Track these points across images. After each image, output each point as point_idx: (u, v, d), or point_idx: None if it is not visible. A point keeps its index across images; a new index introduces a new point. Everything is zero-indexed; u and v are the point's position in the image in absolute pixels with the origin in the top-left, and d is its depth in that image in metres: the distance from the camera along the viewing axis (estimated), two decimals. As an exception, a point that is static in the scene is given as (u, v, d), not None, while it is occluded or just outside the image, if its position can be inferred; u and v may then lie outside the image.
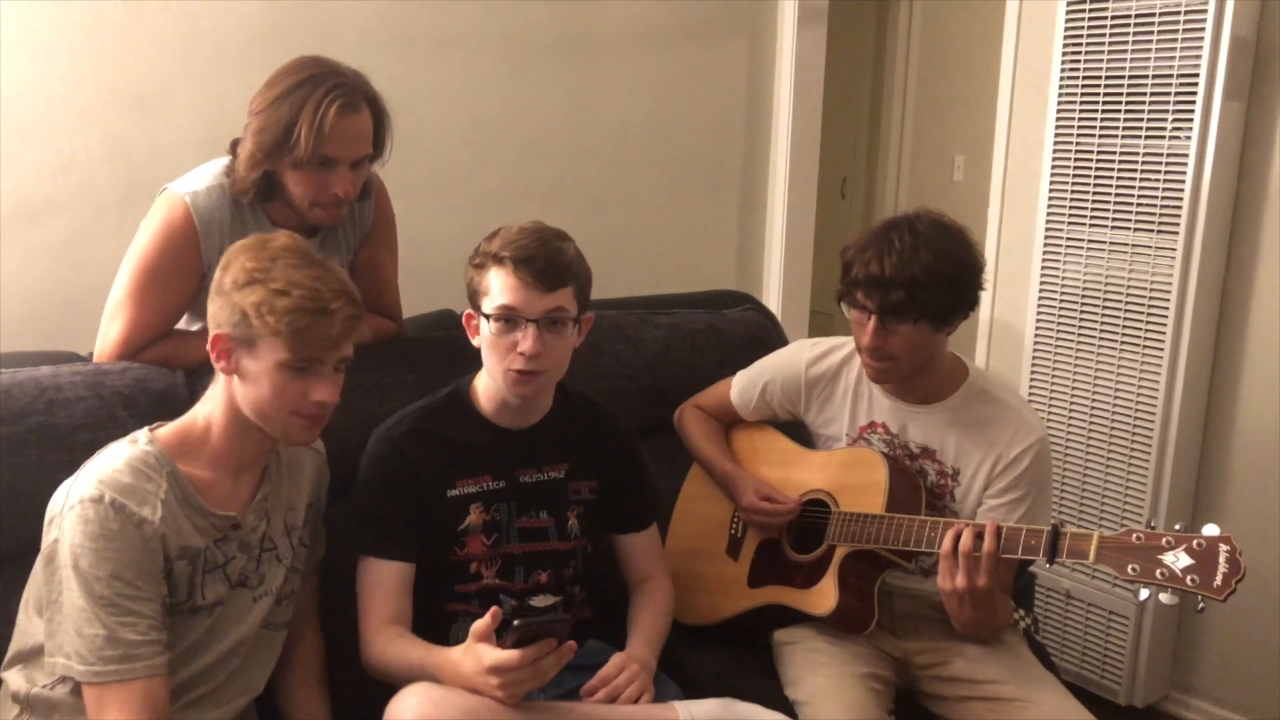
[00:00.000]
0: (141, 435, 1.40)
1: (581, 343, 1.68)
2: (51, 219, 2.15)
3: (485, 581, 1.65)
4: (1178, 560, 1.38)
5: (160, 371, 1.73)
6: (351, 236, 1.90)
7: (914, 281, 1.62)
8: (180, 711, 1.39)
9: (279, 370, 1.36)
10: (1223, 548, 1.38)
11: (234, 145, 1.72)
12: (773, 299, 3.10)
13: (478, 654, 1.37)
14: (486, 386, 1.66)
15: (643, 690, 1.54)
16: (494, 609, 1.39)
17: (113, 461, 1.35)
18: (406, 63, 2.48)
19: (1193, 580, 1.38)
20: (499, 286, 1.56)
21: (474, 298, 1.61)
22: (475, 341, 1.63)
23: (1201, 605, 1.39)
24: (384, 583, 1.58)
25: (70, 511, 1.31)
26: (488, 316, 1.57)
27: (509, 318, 1.56)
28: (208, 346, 1.40)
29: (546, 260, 1.55)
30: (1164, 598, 1.41)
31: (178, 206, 1.71)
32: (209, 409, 1.44)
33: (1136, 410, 2.47)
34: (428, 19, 2.50)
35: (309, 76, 1.63)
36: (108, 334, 1.73)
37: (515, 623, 1.33)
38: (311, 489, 1.58)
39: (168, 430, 1.43)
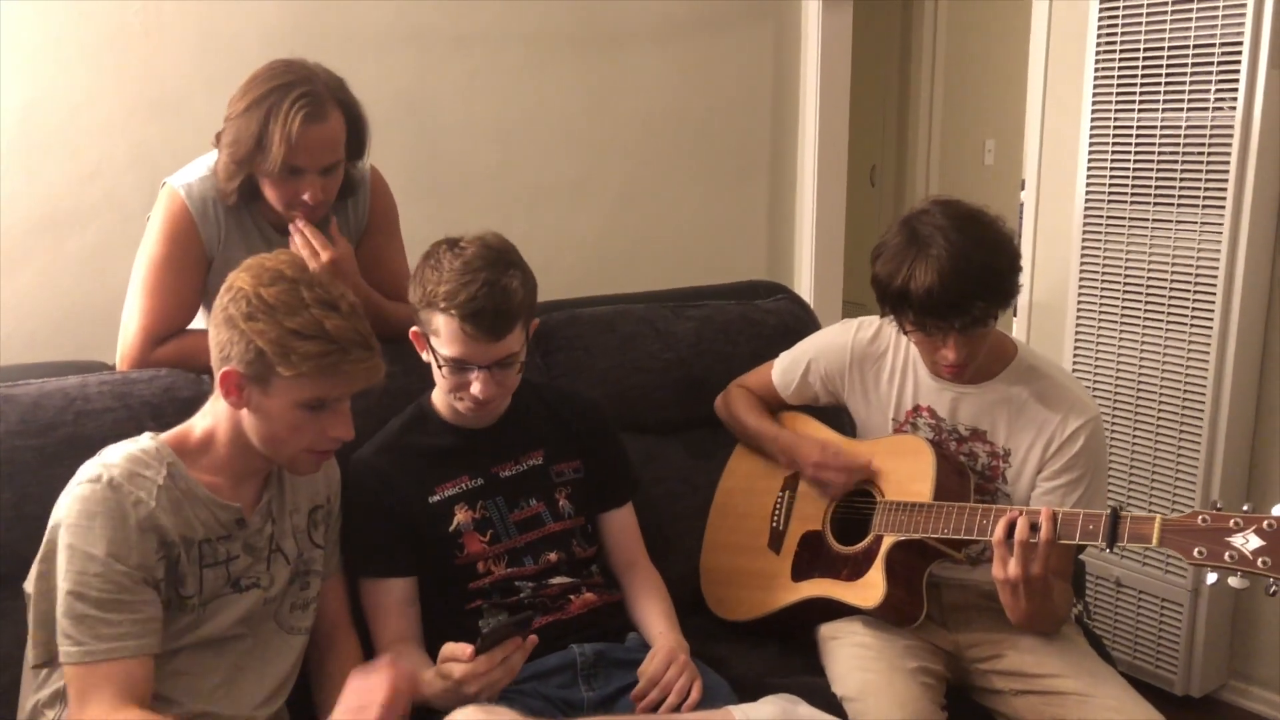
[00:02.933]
0: (144, 436, 1.41)
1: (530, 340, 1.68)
2: (78, 229, 2.15)
3: (497, 575, 1.65)
4: (1247, 542, 1.33)
5: (187, 379, 1.71)
6: (345, 236, 1.89)
7: (981, 286, 1.55)
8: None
9: (296, 409, 1.36)
10: (1295, 528, 1.32)
11: (218, 138, 1.74)
12: (805, 289, 3.05)
13: (448, 672, 1.41)
14: (444, 399, 1.67)
15: (695, 677, 1.56)
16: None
17: (114, 453, 1.37)
18: (427, 62, 2.46)
19: (1264, 563, 1.32)
20: (447, 334, 1.54)
21: (421, 325, 1.60)
22: (425, 357, 1.63)
23: (1274, 588, 1.33)
24: (386, 602, 1.61)
25: (68, 494, 1.33)
26: (440, 365, 1.58)
27: (461, 366, 1.55)
28: (216, 380, 1.38)
29: (495, 314, 1.51)
30: (1233, 581, 1.35)
31: (175, 198, 1.75)
32: (209, 423, 1.43)
33: (1185, 391, 2.40)
34: (447, 17, 2.48)
35: (278, 85, 1.64)
36: (127, 330, 1.75)
37: (483, 631, 1.40)
38: (316, 488, 1.57)
39: (168, 434, 1.43)
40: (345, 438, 1.41)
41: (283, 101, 1.62)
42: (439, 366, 1.59)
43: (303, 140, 1.63)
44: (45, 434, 1.58)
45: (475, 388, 1.56)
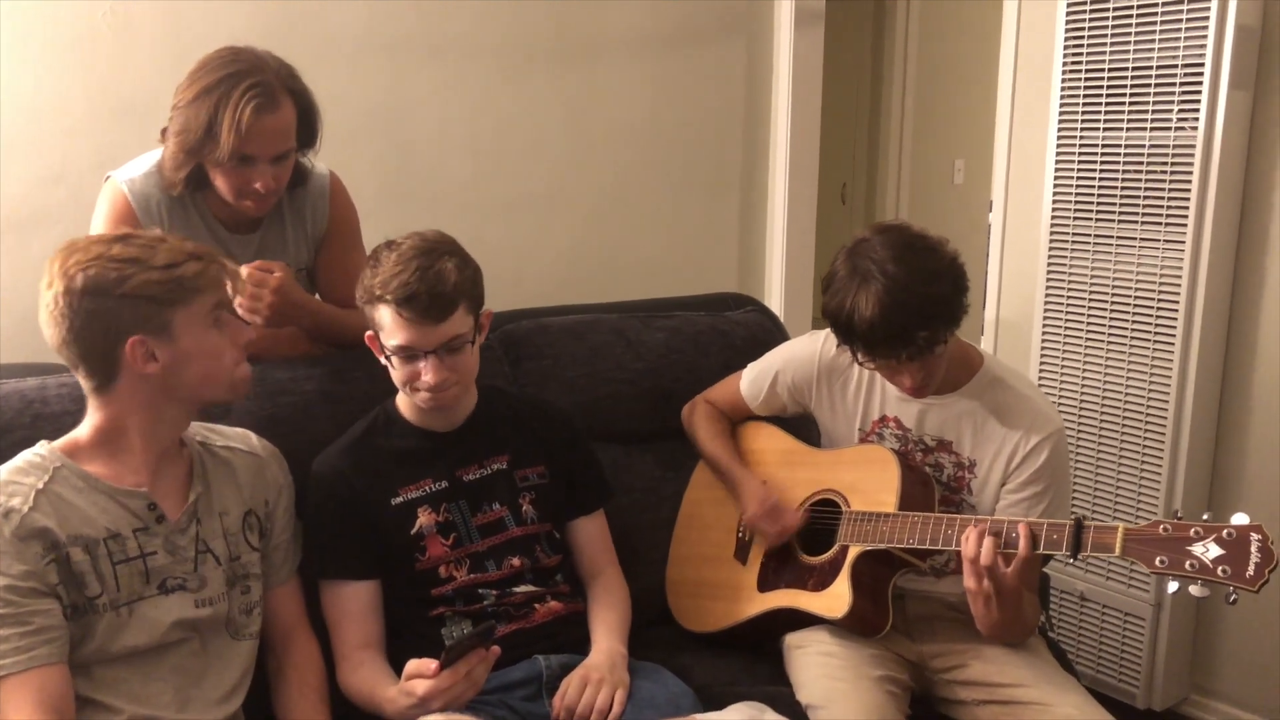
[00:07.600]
0: (39, 444, 1.41)
1: (485, 338, 1.68)
2: (42, 231, 2.12)
3: (460, 581, 1.64)
4: (1207, 551, 1.34)
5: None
6: (302, 241, 1.89)
7: (921, 316, 1.56)
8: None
9: (207, 332, 1.40)
10: (1254, 536, 1.33)
11: (164, 134, 1.72)
12: (775, 304, 3.06)
13: (412, 689, 1.41)
14: (406, 400, 1.68)
15: (615, 687, 1.54)
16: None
17: (3, 469, 1.37)
18: (401, 70, 2.45)
19: (1224, 571, 1.33)
20: (390, 325, 1.56)
21: (371, 325, 1.61)
22: (382, 360, 1.64)
23: (1234, 597, 1.34)
24: (347, 607, 1.60)
25: None
26: (388, 356, 1.59)
27: (408, 354, 1.57)
28: (125, 356, 1.36)
29: (430, 295, 1.53)
30: (1194, 590, 1.36)
31: (118, 193, 1.74)
32: (99, 418, 1.41)
33: (1148, 406, 2.43)
34: (422, 25, 2.47)
35: (228, 74, 1.63)
36: None
37: (447, 645, 1.41)
38: (249, 491, 1.54)
39: (60, 440, 1.42)
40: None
41: (233, 91, 1.61)
42: (389, 360, 1.60)
43: (254, 129, 1.62)
44: (1, 437, 1.56)
45: (427, 375, 1.56)
